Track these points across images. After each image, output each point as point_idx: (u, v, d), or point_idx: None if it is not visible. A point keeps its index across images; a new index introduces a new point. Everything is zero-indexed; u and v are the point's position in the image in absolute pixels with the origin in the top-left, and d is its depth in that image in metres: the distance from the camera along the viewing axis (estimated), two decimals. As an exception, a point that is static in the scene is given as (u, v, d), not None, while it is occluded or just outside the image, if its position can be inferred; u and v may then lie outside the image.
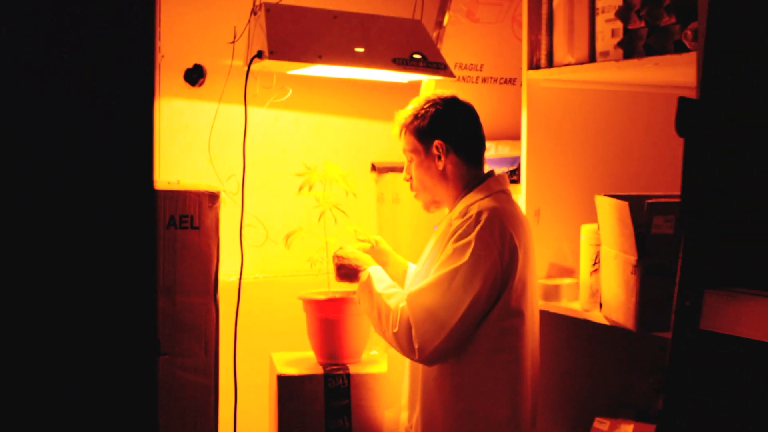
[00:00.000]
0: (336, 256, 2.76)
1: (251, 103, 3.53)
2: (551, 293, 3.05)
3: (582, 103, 3.19)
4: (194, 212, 2.70)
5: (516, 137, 3.31)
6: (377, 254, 2.86)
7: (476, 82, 3.30)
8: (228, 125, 3.53)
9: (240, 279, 2.84)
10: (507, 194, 2.68)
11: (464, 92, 3.19)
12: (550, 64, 3.07)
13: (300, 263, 3.17)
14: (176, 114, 3.50)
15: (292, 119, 3.69)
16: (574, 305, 2.99)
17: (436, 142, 2.63)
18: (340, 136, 3.81)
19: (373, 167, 3.85)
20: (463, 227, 2.51)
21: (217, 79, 3.53)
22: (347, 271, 2.74)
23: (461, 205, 2.61)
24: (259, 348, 3.20)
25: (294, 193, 3.62)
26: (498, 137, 3.37)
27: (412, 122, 2.68)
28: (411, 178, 2.74)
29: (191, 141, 3.53)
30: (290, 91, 3.02)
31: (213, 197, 2.73)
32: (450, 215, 2.63)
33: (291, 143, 3.69)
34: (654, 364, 2.87)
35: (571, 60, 2.98)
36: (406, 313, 2.47)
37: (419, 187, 2.71)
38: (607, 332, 2.86)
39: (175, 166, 3.50)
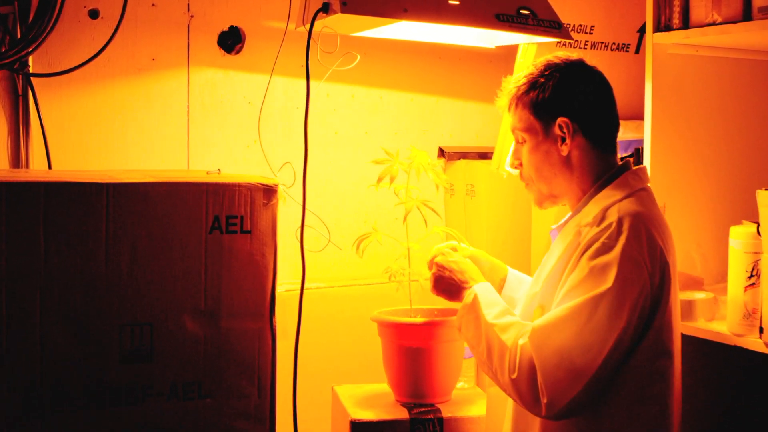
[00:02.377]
0: (435, 264, 2.15)
1: (295, 74, 2.91)
2: (684, 310, 2.43)
3: (721, 74, 2.56)
4: (245, 212, 2.08)
5: (630, 117, 2.69)
6: (474, 259, 2.27)
7: (585, 48, 2.67)
8: (274, 101, 2.91)
9: (301, 295, 2.22)
10: (649, 193, 2.05)
11: None
12: (685, 24, 2.44)
13: (368, 269, 2.56)
14: (209, 87, 2.87)
15: (346, 94, 3.05)
16: (717, 326, 2.37)
17: (560, 120, 2.01)
18: (403, 116, 3.18)
19: (441, 152, 3.23)
20: (602, 239, 1.89)
21: (257, 45, 2.90)
22: (447, 286, 2.12)
23: (594, 207, 1.98)
24: (319, 378, 2.58)
25: (353, 184, 3.04)
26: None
27: (527, 93, 2.05)
28: (521, 164, 2.11)
29: (227, 120, 2.90)
30: (358, 57, 2.39)
31: (269, 192, 2.10)
32: (578, 219, 2.00)
33: (345, 123, 3.06)
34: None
35: (717, 18, 2.34)
36: (528, 354, 1.85)
37: (533, 176, 2.09)
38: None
39: (208, 151, 2.87)
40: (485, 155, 3.26)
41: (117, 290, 1.97)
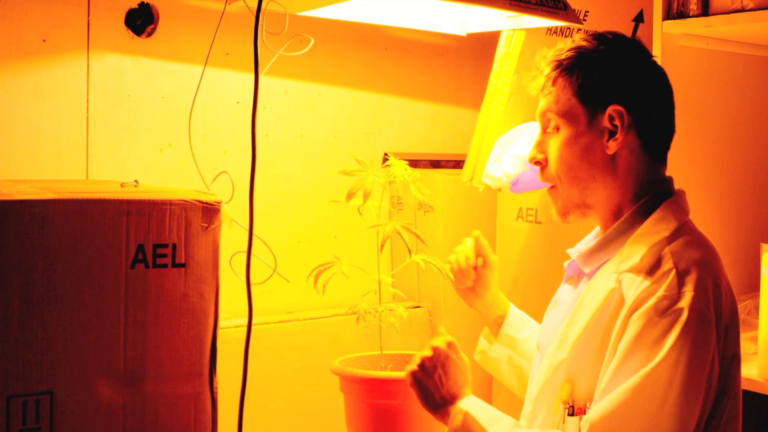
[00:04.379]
0: (415, 372, 1.66)
1: (219, 63, 2.40)
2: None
3: (742, 72, 2.18)
4: (178, 238, 1.56)
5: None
6: (481, 279, 1.86)
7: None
8: (193, 94, 2.38)
9: (248, 339, 1.72)
10: (691, 221, 1.63)
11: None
12: (705, 10, 2.04)
13: (317, 298, 2.07)
14: (113, 76, 2.32)
15: (278, 89, 2.55)
16: (746, 371, 1.98)
17: (613, 109, 1.56)
18: (343, 116, 2.70)
19: (387, 159, 2.75)
20: (661, 293, 1.44)
21: (174, 26, 2.37)
22: (430, 398, 1.65)
23: (638, 247, 1.52)
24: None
25: (285, 196, 2.53)
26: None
27: (573, 68, 1.60)
28: (546, 159, 1.65)
29: (136, 118, 2.36)
30: (312, 40, 1.91)
31: (209, 212, 1.59)
32: (617, 262, 1.54)
33: (277, 124, 2.56)
34: None
35: (749, 3, 1.95)
36: None
37: (563, 176, 1.62)
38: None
39: (112, 157, 2.32)
40: (438, 163, 2.81)
41: (3, 350, 1.42)
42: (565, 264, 1.72)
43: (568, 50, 1.59)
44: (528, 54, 2.13)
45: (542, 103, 1.64)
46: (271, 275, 1.91)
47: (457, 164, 2.81)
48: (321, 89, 2.63)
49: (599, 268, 1.58)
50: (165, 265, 1.55)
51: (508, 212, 2.57)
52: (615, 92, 1.56)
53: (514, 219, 2.55)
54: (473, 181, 2.24)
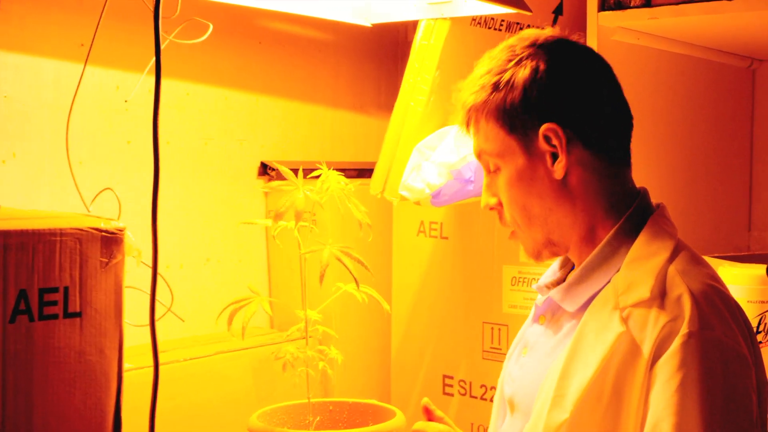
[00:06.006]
0: None
1: (72, 56, 2.00)
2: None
3: (683, 71, 2.01)
4: (72, 280, 1.19)
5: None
6: None
7: (499, 30, 1.98)
8: (30, 92, 1.97)
9: (154, 393, 1.35)
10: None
11: (477, 46, 1.92)
12: (648, 0, 1.85)
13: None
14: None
15: (142, 88, 2.16)
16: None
17: (546, 128, 1.32)
18: (214, 119, 2.34)
19: (264, 169, 2.42)
20: (686, 332, 1.20)
21: (14, 11, 1.95)
22: None
23: (639, 273, 1.27)
24: None
25: (163, 217, 2.15)
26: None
27: (492, 96, 1.36)
28: (500, 203, 1.41)
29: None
30: (211, 26, 1.56)
31: (110, 243, 1.23)
32: (613, 290, 1.29)
33: (140, 127, 2.17)
34: None
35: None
36: None
37: (519, 218, 1.39)
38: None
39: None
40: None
41: None
42: (540, 300, 1.45)
43: (481, 75, 1.37)
44: (452, 47, 1.86)
45: (473, 144, 1.42)
46: (165, 313, 1.55)
47: (345, 174, 2.50)
48: (189, 88, 2.26)
49: (587, 303, 1.33)
50: (55, 316, 1.17)
51: (406, 226, 2.30)
52: (543, 109, 1.33)
53: (415, 234, 2.28)
54: (385, 194, 1.95)
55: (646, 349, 1.21)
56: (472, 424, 2.21)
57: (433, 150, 1.87)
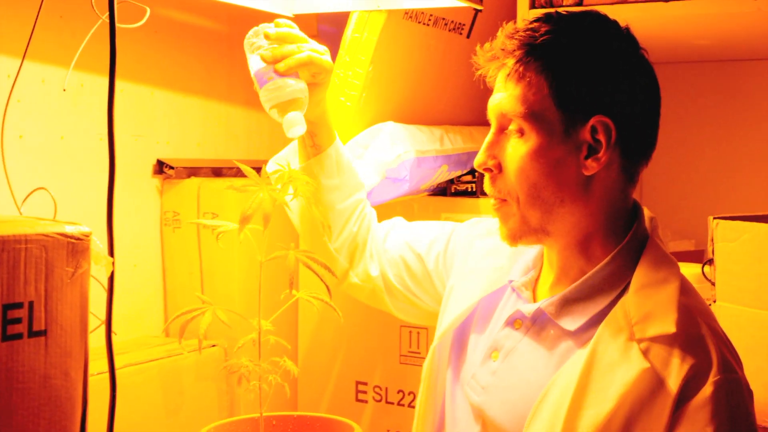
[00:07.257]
0: None
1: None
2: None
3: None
4: (37, 293, 1.04)
5: (474, 122, 2.04)
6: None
7: (428, 24, 1.91)
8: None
9: (112, 405, 1.21)
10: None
11: (410, 40, 1.90)
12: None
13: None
14: None
15: (34, 77, 1.97)
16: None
17: (598, 120, 1.24)
18: (104, 113, 2.16)
19: (161, 167, 2.27)
20: (719, 379, 1.17)
21: None
22: None
23: (653, 299, 1.22)
24: None
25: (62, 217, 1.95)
26: (443, 121, 2.04)
27: (567, 56, 1.25)
28: (499, 165, 1.30)
29: None
30: (148, 10, 1.42)
31: (77, 250, 1.09)
32: (623, 316, 1.22)
33: (32, 122, 1.97)
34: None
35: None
36: None
37: (521, 193, 1.28)
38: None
39: None
40: (220, 171, 2.37)
41: None
42: (525, 308, 1.36)
43: (545, 33, 1.27)
44: (387, 41, 1.79)
45: (500, 96, 1.28)
46: (98, 326, 1.40)
47: (239, 172, 2.37)
48: (84, 79, 2.08)
49: (588, 324, 1.26)
50: (19, 335, 1.03)
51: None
52: (602, 99, 1.24)
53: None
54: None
55: (672, 387, 1.16)
56: (388, 430, 2.14)
57: (366, 148, 1.79)
